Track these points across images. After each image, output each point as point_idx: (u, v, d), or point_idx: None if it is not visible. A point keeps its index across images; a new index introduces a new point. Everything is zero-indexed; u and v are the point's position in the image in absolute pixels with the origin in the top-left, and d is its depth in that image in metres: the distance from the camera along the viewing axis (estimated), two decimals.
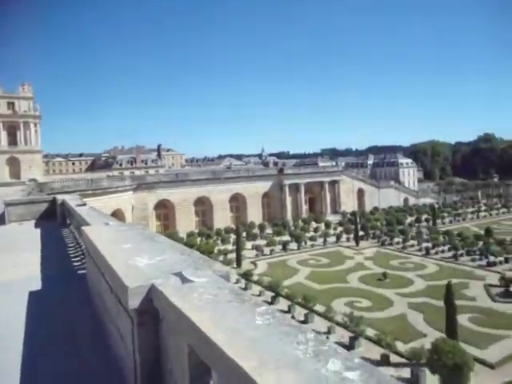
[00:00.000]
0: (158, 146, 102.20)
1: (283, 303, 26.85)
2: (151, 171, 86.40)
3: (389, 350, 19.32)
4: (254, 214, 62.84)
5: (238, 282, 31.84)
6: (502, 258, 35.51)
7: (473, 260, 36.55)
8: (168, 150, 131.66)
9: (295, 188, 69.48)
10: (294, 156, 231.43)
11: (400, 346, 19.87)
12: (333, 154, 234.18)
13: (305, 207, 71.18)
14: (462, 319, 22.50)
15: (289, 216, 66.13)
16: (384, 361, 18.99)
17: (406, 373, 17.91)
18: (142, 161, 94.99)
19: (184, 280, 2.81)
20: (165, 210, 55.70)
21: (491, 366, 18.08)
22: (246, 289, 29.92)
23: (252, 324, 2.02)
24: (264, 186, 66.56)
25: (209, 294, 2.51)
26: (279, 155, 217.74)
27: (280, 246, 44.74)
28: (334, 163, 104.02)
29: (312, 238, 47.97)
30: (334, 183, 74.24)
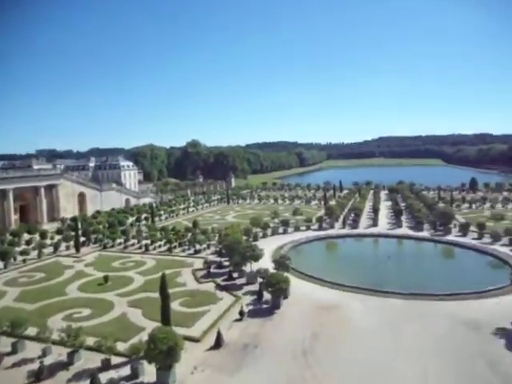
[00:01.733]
0: None
1: None
2: None
3: (109, 353, 18.82)
4: None
5: None
6: (205, 245, 41.49)
7: (184, 250, 41.05)
8: None
9: (2, 195, 57.83)
10: (1, 157, 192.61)
11: (121, 346, 19.70)
12: (51, 155, 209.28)
13: (14, 217, 60.37)
14: (175, 305, 24.73)
15: None
16: (105, 366, 18.37)
17: (126, 371, 17.97)
18: None
19: None
20: None
21: (197, 340, 20.66)
22: None
23: None
24: None
25: None
26: None
27: None
28: (51, 166, 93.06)
29: (24, 252, 40.93)
30: (51, 188, 66.45)
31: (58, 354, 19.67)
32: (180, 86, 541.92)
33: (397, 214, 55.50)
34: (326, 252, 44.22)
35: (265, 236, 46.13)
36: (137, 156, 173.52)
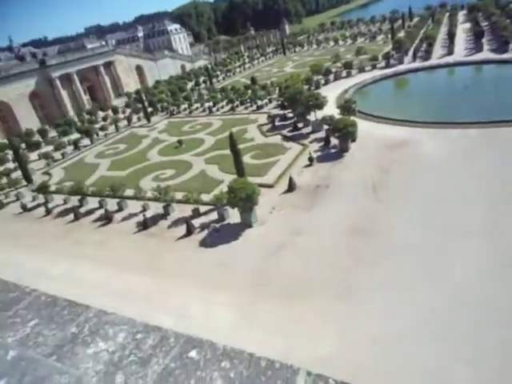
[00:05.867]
0: None
1: (93, 201, 25.46)
2: None
3: (197, 204, 21.31)
4: (28, 120, 53.03)
5: (34, 199, 28.08)
6: (266, 100, 40.86)
7: (246, 108, 41.03)
8: None
9: (67, 79, 60.05)
10: (55, 41, 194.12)
11: (206, 197, 22.08)
12: (99, 32, 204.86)
13: (85, 98, 63.58)
14: (246, 158, 26.08)
15: (71, 112, 58.45)
16: (195, 214, 21.03)
17: (214, 216, 20.47)
18: None
19: None
20: None
21: (271, 186, 22.24)
22: (47, 202, 26.79)
23: None
24: (27, 84, 55.06)
25: None
26: (36, 43, 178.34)
27: (71, 147, 40.26)
28: (103, 42, 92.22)
29: (103, 128, 44.53)
30: (109, 65, 67.01)
31: (155, 207, 22.70)
32: None
33: (477, 36, 47.75)
34: (395, 90, 41.25)
35: (327, 82, 43.69)
36: (182, 17, 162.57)
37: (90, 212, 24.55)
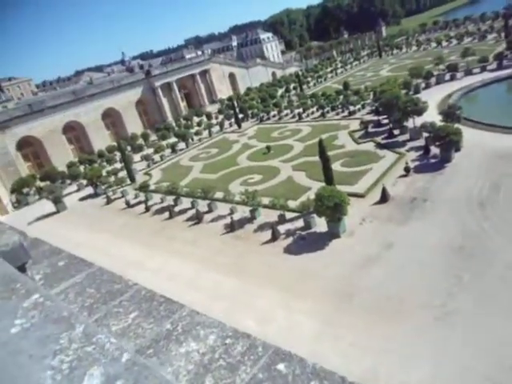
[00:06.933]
0: None
1: (186, 202, 27.32)
2: None
3: (283, 210, 21.50)
4: (134, 125, 58.92)
5: (136, 196, 31.06)
6: (359, 106, 39.70)
7: (337, 114, 40.34)
8: (10, 79, 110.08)
9: (168, 87, 65.42)
10: (159, 54, 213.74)
11: (292, 204, 22.16)
12: (197, 42, 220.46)
13: (182, 104, 68.53)
14: (336, 166, 25.54)
15: (169, 117, 63.49)
16: (281, 220, 21.25)
17: (300, 223, 20.44)
18: None
19: None
20: (32, 148, 48.59)
21: (362, 196, 21.47)
22: (147, 200, 29.42)
23: (3, 335, 1.28)
24: (135, 93, 61.24)
25: None
26: (143, 56, 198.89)
27: (169, 150, 43.72)
28: (200, 52, 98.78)
29: (197, 133, 47.52)
30: (204, 73, 71.40)
31: (243, 211, 23.47)
32: None
33: None
34: (510, 95, 36.95)
35: (428, 86, 40.85)
36: (274, 25, 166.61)
37: (182, 211, 26.34)
